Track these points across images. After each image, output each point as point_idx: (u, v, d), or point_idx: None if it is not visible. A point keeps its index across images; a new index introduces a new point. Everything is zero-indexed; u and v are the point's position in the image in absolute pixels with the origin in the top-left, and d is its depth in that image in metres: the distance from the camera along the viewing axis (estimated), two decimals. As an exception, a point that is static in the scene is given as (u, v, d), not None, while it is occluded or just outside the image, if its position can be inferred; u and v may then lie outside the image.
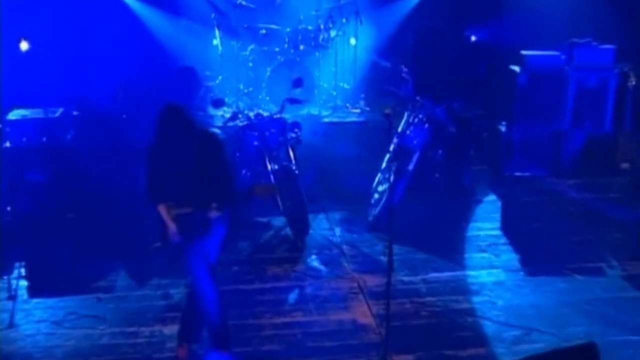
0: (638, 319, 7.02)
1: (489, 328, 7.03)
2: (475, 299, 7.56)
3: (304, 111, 11.45)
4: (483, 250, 8.70)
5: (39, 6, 10.99)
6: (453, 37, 12.64)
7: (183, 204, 6.00)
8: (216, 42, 12.24)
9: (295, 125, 9.46)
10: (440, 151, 10.11)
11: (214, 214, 5.92)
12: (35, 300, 7.62)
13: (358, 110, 12.02)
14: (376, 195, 9.39)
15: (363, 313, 7.29)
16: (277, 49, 11.81)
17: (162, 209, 6.02)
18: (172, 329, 6.85)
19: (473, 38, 12.98)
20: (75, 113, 9.87)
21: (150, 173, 6.06)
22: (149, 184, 6.07)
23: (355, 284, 7.85)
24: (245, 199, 6.62)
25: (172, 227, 6.00)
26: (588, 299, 7.55)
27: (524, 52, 11.17)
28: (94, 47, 11.00)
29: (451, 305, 7.44)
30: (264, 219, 9.39)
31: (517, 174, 11.00)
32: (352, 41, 12.41)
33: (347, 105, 12.14)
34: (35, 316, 7.33)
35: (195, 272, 6.17)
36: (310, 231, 9.04)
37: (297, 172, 8.94)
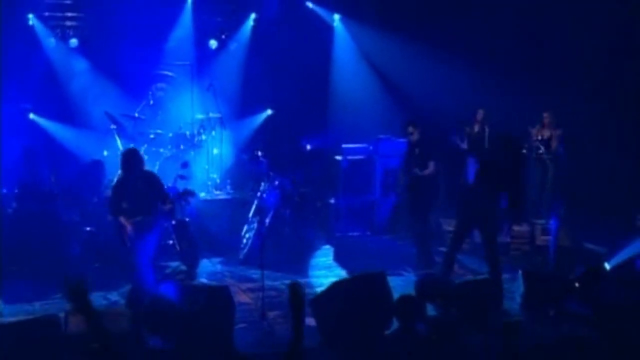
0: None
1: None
2: (318, 289, 11.25)
3: (186, 191, 14.66)
4: (321, 269, 12.59)
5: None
6: (292, 139, 16.21)
7: (135, 214, 9.60)
8: (106, 153, 14.87)
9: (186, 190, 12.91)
10: (287, 211, 13.51)
11: (167, 207, 9.57)
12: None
13: (224, 192, 15.28)
14: (244, 241, 12.97)
15: (244, 297, 10.95)
16: (162, 150, 14.68)
17: (122, 219, 9.59)
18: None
19: (308, 147, 16.87)
20: (16, 191, 12.92)
21: (116, 196, 9.67)
22: (114, 203, 9.67)
23: (236, 287, 11.35)
24: (178, 198, 10.32)
25: (129, 228, 9.55)
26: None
27: (344, 146, 14.65)
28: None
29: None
30: (164, 263, 12.38)
31: (344, 234, 14.35)
32: (215, 150, 15.63)
33: (214, 190, 15.19)
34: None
35: (140, 259, 9.67)
36: (198, 268, 12.43)
37: (189, 223, 12.54)
